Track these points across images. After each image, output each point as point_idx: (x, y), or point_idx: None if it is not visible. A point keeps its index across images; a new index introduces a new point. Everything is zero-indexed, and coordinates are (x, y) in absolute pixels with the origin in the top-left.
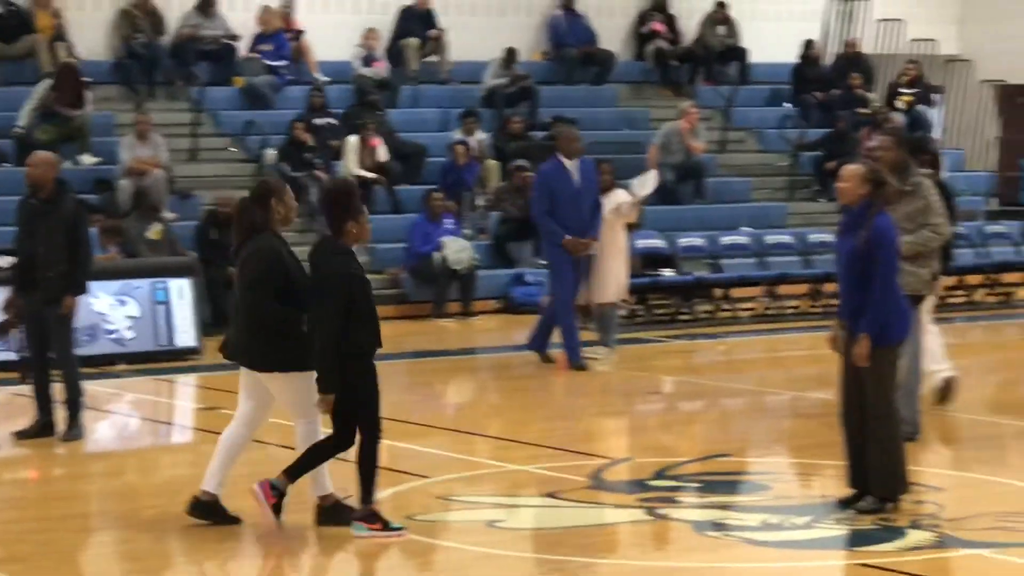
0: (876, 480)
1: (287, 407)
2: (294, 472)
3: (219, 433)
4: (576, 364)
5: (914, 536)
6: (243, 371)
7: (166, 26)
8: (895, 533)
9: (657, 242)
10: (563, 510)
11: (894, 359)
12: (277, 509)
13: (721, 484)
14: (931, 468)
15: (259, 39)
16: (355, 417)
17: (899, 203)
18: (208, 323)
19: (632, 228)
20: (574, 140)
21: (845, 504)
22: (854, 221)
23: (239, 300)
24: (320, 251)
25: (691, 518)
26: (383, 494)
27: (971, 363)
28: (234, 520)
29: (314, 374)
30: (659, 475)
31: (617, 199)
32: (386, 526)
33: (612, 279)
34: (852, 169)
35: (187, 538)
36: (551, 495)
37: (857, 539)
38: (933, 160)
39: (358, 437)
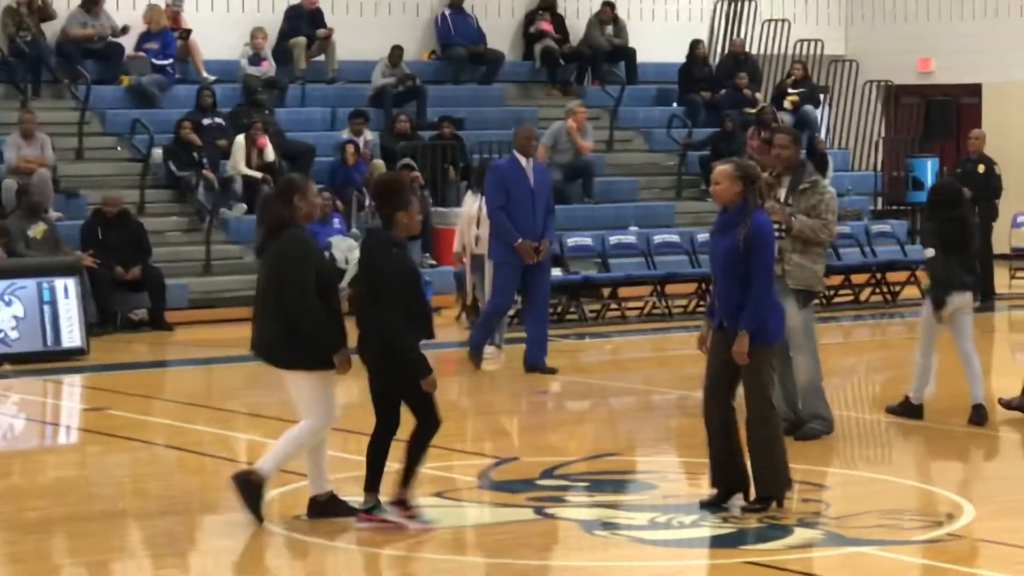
0: (761, 481)
1: (302, 404)
2: (408, 478)
3: (105, 434)
4: (475, 361)
5: (800, 534)
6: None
7: (52, 23)
8: (782, 531)
9: None
10: (452, 510)
11: (771, 358)
12: (414, 517)
13: (609, 483)
14: (817, 466)
15: (145, 37)
16: (429, 399)
17: (797, 200)
18: (94, 323)
19: None
20: (531, 138)
21: (707, 505)
22: (731, 220)
23: (265, 297)
24: (376, 245)
25: (579, 517)
26: (270, 495)
27: (857, 362)
28: (351, 511)
29: (331, 374)
30: (547, 474)
31: None
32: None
33: None
34: (723, 169)
35: (72, 539)
36: (439, 495)
37: (744, 537)
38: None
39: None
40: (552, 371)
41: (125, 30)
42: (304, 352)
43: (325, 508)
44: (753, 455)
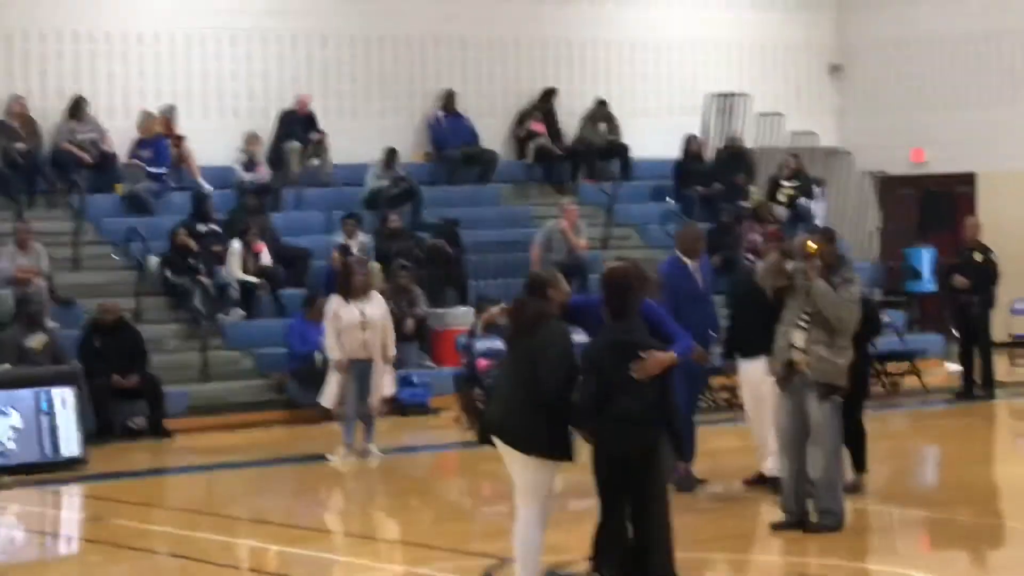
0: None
1: (529, 489)
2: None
3: (106, 543)
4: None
5: None
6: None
7: (41, 134)
8: None
9: None
10: None
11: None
12: None
13: None
14: (822, 558)
15: (139, 144)
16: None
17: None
18: (92, 432)
19: None
20: (699, 239)
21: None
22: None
23: (520, 383)
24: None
25: None
26: None
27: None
28: None
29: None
30: (551, 575)
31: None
32: None
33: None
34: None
35: None
36: None
37: None
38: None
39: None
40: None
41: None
42: (547, 440)
43: None
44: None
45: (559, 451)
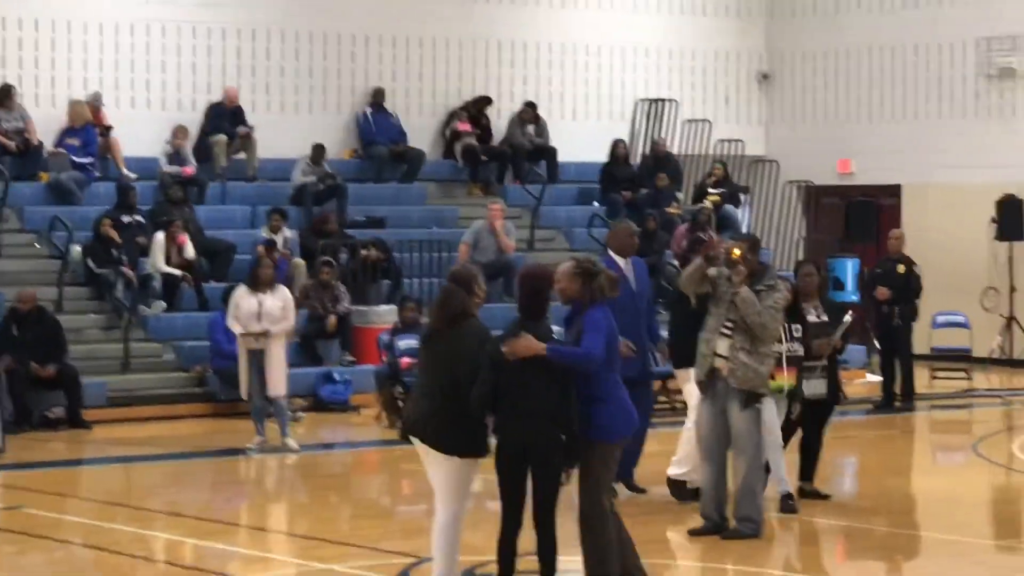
0: None
1: (449, 489)
2: None
3: (20, 533)
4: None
5: None
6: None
7: None
8: None
9: None
10: None
11: (608, 457)
12: None
13: None
14: (740, 566)
15: (66, 133)
16: None
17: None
18: (9, 421)
19: None
20: (631, 235)
21: None
22: (573, 316)
23: (438, 382)
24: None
25: None
26: None
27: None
28: None
29: (477, 462)
30: (467, 575)
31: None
32: None
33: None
34: (563, 268)
35: None
36: None
37: None
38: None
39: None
40: (642, 491)
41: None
42: (469, 439)
43: None
44: (584, 560)
45: (477, 449)
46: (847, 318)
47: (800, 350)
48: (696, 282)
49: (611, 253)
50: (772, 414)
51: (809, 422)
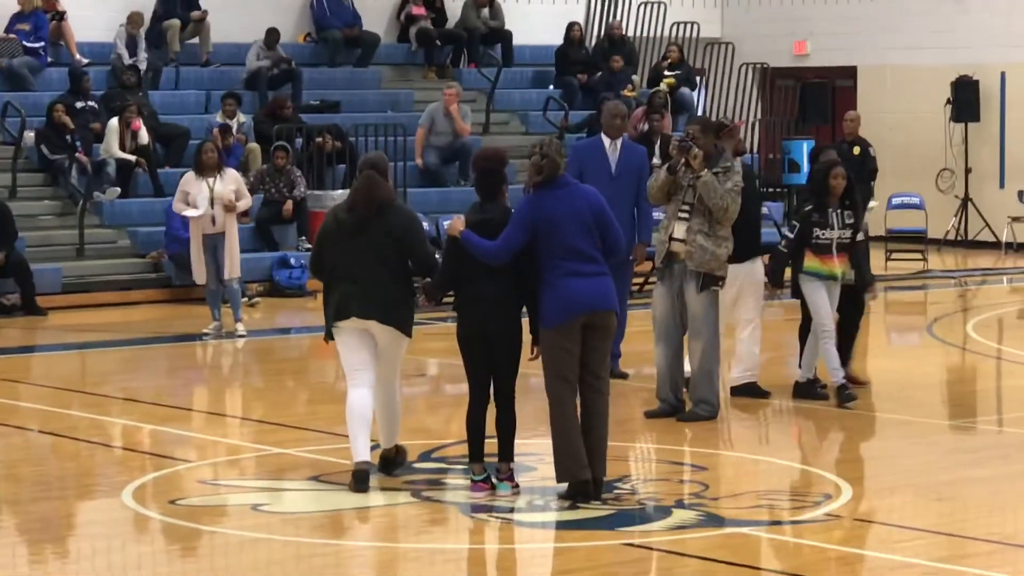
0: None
1: (394, 366)
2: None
3: None
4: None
5: (679, 516)
6: (359, 333)
7: None
8: (661, 513)
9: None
10: (328, 493)
11: (549, 343)
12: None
13: (487, 466)
14: (696, 447)
15: (16, 19)
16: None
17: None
18: None
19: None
20: (617, 115)
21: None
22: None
23: (374, 264)
24: (503, 214)
25: (457, 500)
26: (145, 478)
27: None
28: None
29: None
30: (425, 457)
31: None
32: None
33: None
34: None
35: None
36: (316, 478)
37: (621, 519)
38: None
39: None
40: (623, 375)
41: None
42: (411, 317)
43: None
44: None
45: (410, 326)
46: (872, 203)
47: (849, 236)
48: (665, 193)
49: (601, 134)
50: (824, 302)
51: (845, 306)
